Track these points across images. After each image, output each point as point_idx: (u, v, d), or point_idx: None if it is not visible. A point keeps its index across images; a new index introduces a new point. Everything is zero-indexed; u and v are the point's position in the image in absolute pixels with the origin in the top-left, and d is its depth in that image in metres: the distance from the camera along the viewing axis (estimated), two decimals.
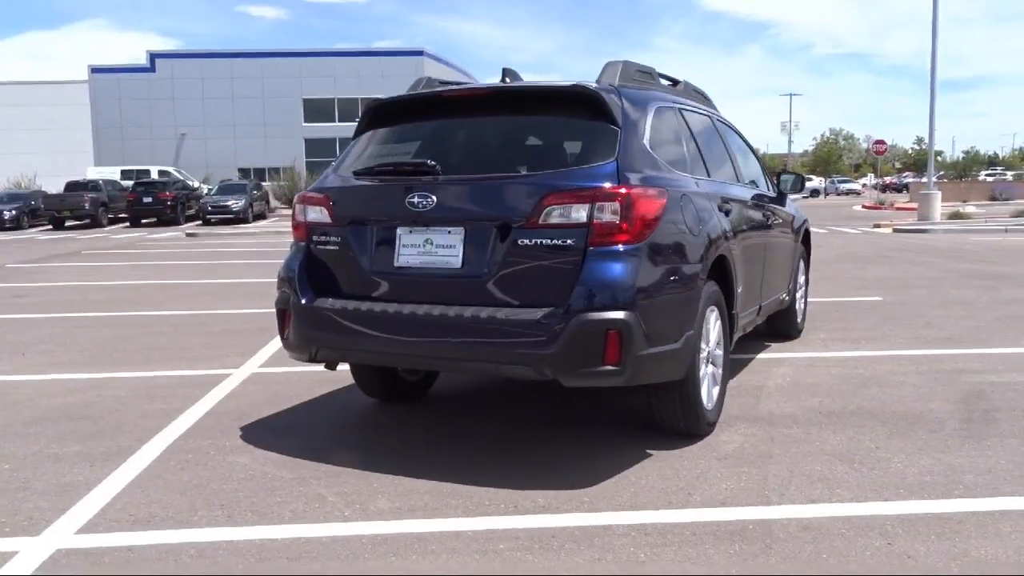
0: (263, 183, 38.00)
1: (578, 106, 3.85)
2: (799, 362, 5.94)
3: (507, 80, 4.37)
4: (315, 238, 4.10)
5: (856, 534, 3.05)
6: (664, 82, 4.79)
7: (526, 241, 3.55)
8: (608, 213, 3.48)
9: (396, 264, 3.86)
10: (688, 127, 4.57)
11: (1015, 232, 19.87)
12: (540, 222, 3.53)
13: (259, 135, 51.06)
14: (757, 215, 5.28)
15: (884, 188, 51.94)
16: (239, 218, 29.03)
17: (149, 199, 29.42)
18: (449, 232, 3.73)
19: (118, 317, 8.53)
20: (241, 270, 13.33)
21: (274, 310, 4.20)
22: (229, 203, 29.40)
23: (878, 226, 22.60)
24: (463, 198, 3.74)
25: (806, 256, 7.03)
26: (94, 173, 36.63)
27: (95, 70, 52.09)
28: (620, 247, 3.49)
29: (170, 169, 38.12)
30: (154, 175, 35.38)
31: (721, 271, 4.29)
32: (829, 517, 3.21)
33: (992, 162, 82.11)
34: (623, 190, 3.52)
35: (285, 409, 4.89)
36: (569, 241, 3.49)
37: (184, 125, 50.91)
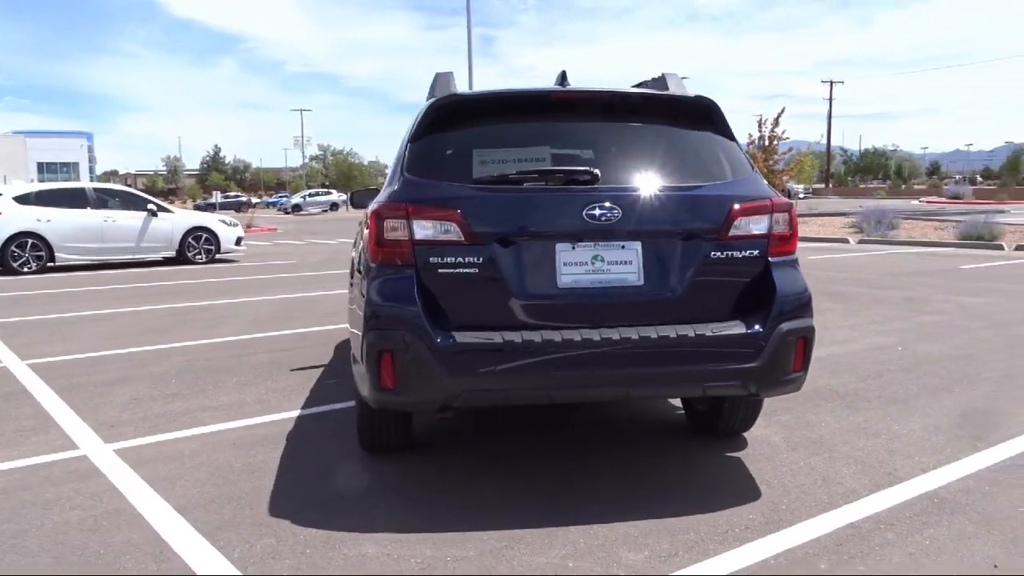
0: None
1: (700, 117, 3.84)
2: None
3: (566, 84, 4.06)
4: (433, 260, 3.38)
5: (1018, 480, 3.75)
6: None
7: (717, 254, 3.49)
8: (780, 223, 3.61)
9: (560, 285, 3.42)
10: None
11: None
12: (731, 234, 3.50)
13: None
14: None
15: None
16: None
17: None
18: (623, 247, 3.45)
19: None
20: None
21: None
22: None
23: None
24: (642, 210, 3.47)
25: None
26: None
27: None
28: (789, 256, 3.65)
29: None
30: None
31: None
32: (979, 471, 3.90)
33: None
34: (788, 200, 3.67)
35: (281, 485, 3.86)
36: (755, 252, 3.54)
37: None
